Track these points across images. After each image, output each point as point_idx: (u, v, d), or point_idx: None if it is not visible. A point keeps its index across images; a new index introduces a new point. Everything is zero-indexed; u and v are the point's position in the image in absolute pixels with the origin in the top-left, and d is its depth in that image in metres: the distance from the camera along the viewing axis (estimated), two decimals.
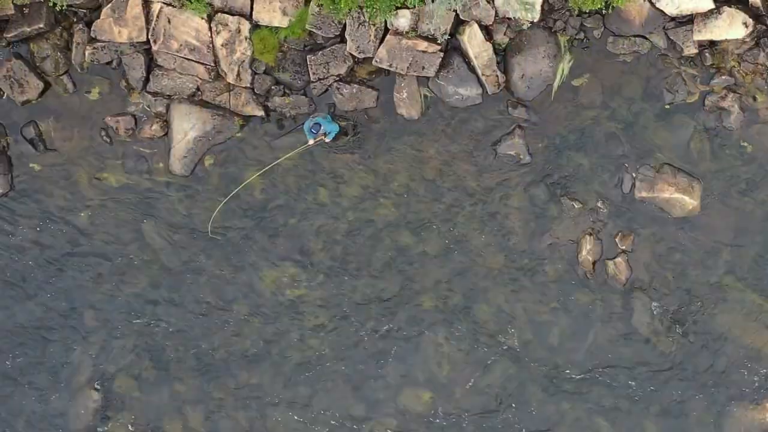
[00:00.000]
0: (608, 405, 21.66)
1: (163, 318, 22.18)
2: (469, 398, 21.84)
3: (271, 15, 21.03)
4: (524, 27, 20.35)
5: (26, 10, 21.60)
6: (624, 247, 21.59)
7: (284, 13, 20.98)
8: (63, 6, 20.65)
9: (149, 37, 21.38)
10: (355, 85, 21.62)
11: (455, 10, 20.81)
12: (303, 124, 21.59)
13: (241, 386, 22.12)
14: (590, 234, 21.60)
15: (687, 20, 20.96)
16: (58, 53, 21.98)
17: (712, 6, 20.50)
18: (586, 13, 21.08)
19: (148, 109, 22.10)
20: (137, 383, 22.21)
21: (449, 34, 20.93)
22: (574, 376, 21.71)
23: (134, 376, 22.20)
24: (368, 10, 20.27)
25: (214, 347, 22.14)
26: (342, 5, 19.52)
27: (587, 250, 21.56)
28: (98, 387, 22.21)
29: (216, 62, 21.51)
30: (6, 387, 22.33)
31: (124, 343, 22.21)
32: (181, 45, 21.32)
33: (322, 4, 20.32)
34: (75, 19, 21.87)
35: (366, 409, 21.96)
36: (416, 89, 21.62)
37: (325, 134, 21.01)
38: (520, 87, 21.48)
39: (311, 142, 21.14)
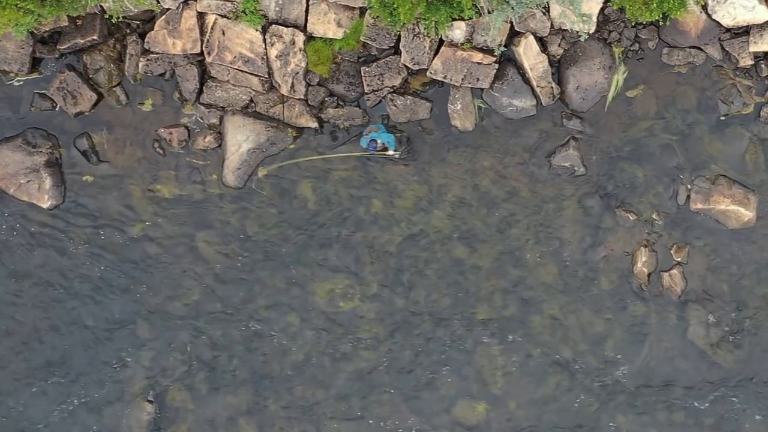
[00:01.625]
0: (663, 417, 21.60)
1: (216, 329, 22.15)
2: (524, 410, 21.78)
3: (326, 27, 20.99)
4: (582, 38, 20.27)
5: (79, 22, 21.59)
6: (679, 259, 21.52)
7: (339, 24, 20.94)
8: (119, 18, 20.60)
9: (203, 48, 21.35)
10: (409, 97, 21.57)
11: (510, 22, 20.78)
12: (356, 136, 21.63)
13: (294, 398, 22.09)
14: (645, 246, 21.53)
15: (743, 32, 20.89)
16: (111, 65, 21.95)
17: None
18: (641, 24, 21.02)
19: (201, 120, 22.07)
20: (191, 395, 22.18)
21: (504, 46, 20.88)
22: (628, 388, 21.65)
23: (188, 388, 22.17)
24: (425, 22, 20.22)
25: (268, 359, 22.11)
26: (401, 17, 19.44)
27: (642, 262, 21.50)
28: (151, 399, 22.19)
29: (270, 74, 21.48)
30: (59, 398, 22.31)
31: (177, 354, 22.18)
32: (235, 57, 21.29)
33: (377, 16, 20.26)
34: (128, 31, 21.84)
35: (420, 421, 21.91)
36: (470, 101, 21.57)
37: (386, 148, 21.06)
38: (575, 98, 21.43)
39: (391, 152, 21.17)
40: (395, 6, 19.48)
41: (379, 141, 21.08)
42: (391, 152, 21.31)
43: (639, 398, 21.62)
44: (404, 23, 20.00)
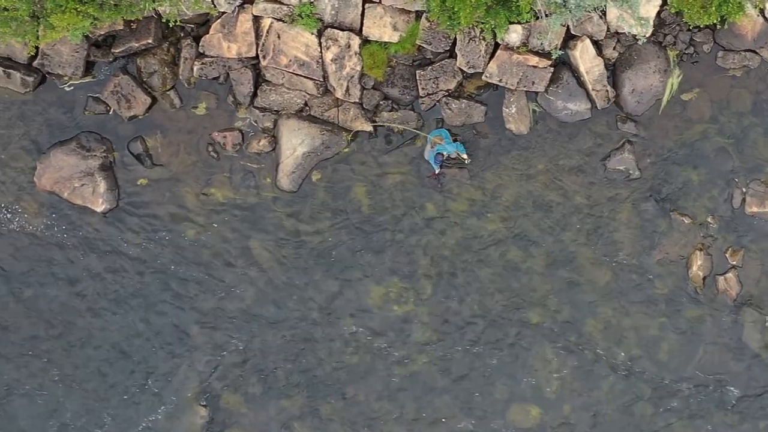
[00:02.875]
0: (718, 421, 21.57)
1: (269, 333, 22.12)
2: (578, 414, 21.75)
3: (382, 30, 20.99)
4: (640, 42, 20.26)
5: (134, 26, 21.58)
6: (734, 263, 21.50)
7: (395, 28, 20.93)
8: (176, 21, 20.58)
9: (258, 52, 21.34)
10: (464, 100, 21.57)
11: (567, 25, 20.77)
12: (411, 139, 21.66)
13: (348, 402, 22.06)
14: (700, 249, 21.51)
15: None
16: (165, 68, 21.94)
17: None
18: (696, 27, 21.00)
19: (256, 124, 22.05)
20: (244, 399, 22.15)
21: (560, 49, 20.89)
22: (683, 391, 21.62)
23: (241, 392, 22.14)
24: (482, 26, 20.21)
25: (321, 362, 22.08)
26: (461, 21, 19.43)
27: (698, 266, 21.47)
28: (205, 403, 22.14)
29: (325, 77, 21.47)
30: (113, 402, 22.28)
31: (230, 358, 22.15)
32: (290, 60, 21.28)
33: (435, 20, 20.24)
34: (182, 35, 21.83)
35: (474, 425, 21.88)
36: (525, 104, 21.56)
37: (460, 156, 21.21)
38: (630, 102, 21.41)
39: (465, 156, 21.21)
40: (455, 9, 19.49)
41: (445, 154, 21.18)
42: (465, 156, 21.33)
43: (693, 401, 21.58)
44: (462, 27, 19.99)
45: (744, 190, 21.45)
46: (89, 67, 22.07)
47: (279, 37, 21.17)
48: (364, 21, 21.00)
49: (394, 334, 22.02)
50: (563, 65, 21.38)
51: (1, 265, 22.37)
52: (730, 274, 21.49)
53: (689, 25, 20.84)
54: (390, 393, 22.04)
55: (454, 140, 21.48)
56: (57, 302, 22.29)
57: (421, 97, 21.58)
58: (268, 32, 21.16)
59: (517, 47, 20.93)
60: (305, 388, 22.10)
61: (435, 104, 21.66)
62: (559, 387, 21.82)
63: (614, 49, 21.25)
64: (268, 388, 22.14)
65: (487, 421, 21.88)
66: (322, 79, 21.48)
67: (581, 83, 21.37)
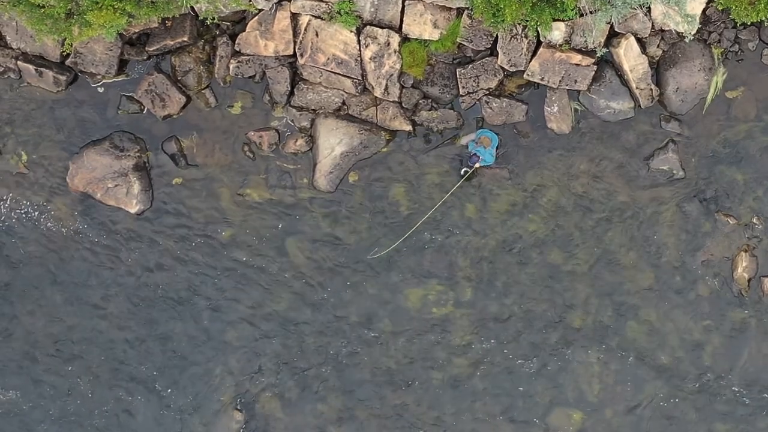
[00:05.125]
0: (763, 426, 21.20)
1: (305, 336, 21.75)
2: (621, 418, 21.38)
3: (422, 28, 20.61)
4: (686, 39, 19.88)
5: (169, 24, 21.22)
6: None
7: (435, 25, 20.56)
8: (213, 19, 20.20)
9: (296, 50, 20.97)
10: (505, 99, 21.19)
11: (611, 23, 20.41)
12: (450, 139, 21.37)
13: (386, 406, 21.68)
14: (745, 250, 21.15)
15: None
16: (201, 67, 21.56)
17: None
18: (741, 25, 20.64)
19: (292, 123, 21.68)
20: (280, 403, 21.77)
21: (604, 47, 20.53)
22: (727, 395, 21.25)
23: (277, 396, 21.76)
24: (526, 23, 19.84)
25: (358, 366, 21.70)
26: (507, 18, 19.07)
27: (743, 267, 21.10)
28: (240, 407, 21.77)
29: (363, 76, 21.09)
30: (147, 406, 21.92)
31: (266, 362, 21.77)
32: (328, 58, 20.91)
33: (479, 17, 19.87)
34: (218, 32, 21.45)
35: (514, 430, 21.49)
36: (567, 103, 21.20)
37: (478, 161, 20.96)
38: (674, 100, 21.05)
39: (476, 165, 20.98)
40: (500, 6, 19.12)
41: (480, 157, 20.85)
42: (476, 166, 21.02)
43: (738, 406, 21.22)
44: (508, 24, 19.62)
45: None
46: (122, 65, 21.71)
47: (317, 34, 20.80)
48: (404, 18, 20.62)
49: (432, 338, 21.63)
50: (606, 63, 21.02)
51: (31, 267, 22.01)
52: None
53: (735, 23, 20.49)
54: (429, 397, 21.65)
55: (497, 151, 21.11)
56: (89, 305, 21.92)
57: (462, 95, 21.22)
58: (306, 30, 20.79)
59: (560, 45, 20.56)
60: (342, 393, 21.72)
61: (475, 103, 21.29)
62: (601, 391, 21.44)
63: (658, 46, 20.89)
64: (305, 393, 21.76)
65: (527, 426, 21.49)
66: (360, 78, 21.11)
67: (624, 82, 21.01)
